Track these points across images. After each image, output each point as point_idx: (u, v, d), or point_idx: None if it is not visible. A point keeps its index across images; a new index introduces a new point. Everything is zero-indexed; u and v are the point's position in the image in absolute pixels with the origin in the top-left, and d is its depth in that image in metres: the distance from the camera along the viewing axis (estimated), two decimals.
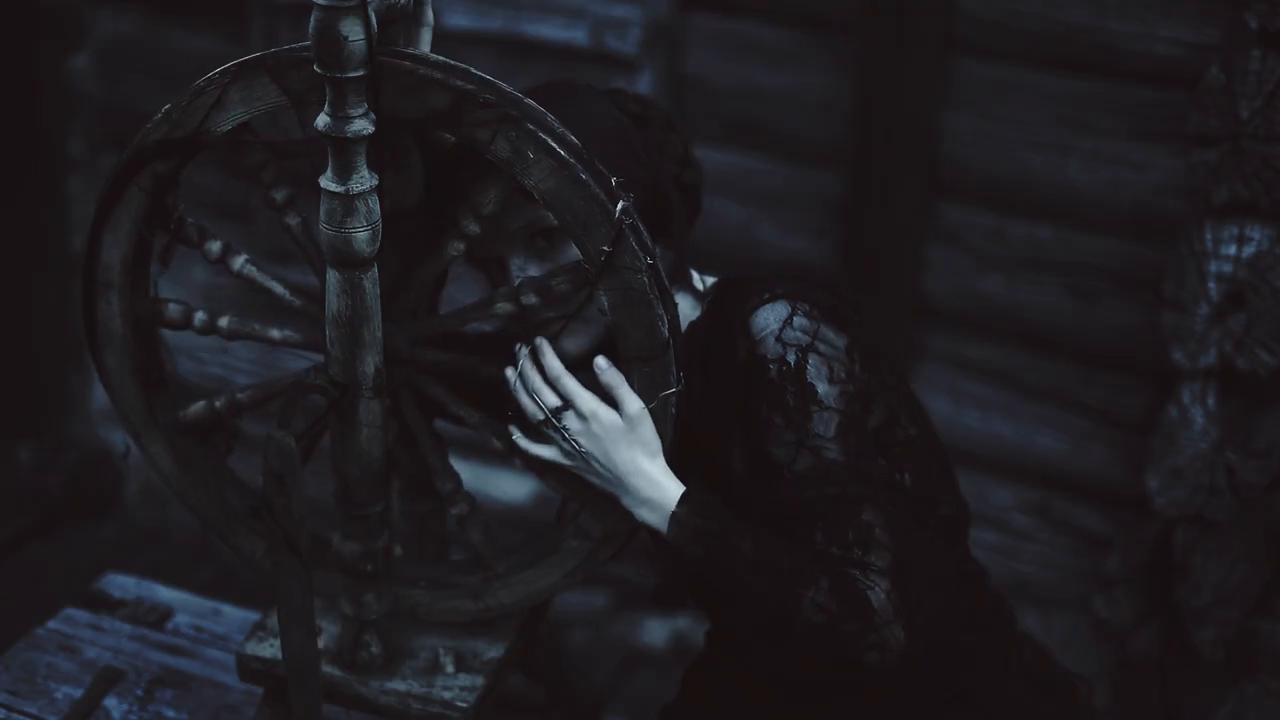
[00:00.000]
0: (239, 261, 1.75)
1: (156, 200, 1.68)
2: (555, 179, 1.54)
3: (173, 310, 1.78)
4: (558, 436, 1.69)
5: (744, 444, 1.69)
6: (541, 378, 1.69)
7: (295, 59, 1.54)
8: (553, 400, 1.68)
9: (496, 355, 1.77)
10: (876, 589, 1.58)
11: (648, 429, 1.66)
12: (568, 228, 1.57)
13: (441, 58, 1.54)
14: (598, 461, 1.67)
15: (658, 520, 1.66)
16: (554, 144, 1.53)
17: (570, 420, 1.68)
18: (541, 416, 1.69)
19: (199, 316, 1.77)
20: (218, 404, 1.80)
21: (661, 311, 1.60)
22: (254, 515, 1.86)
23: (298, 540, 1.59)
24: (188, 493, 1.87)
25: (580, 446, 1.68)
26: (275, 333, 1.76)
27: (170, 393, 1.85)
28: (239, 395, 1.79)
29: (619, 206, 1.55)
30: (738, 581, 1.62)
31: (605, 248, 1.56)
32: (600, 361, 1.66)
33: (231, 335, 1.77)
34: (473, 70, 1.54)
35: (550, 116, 1.54)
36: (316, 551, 1.85)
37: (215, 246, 1.75)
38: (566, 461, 1.71)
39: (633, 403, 1.66)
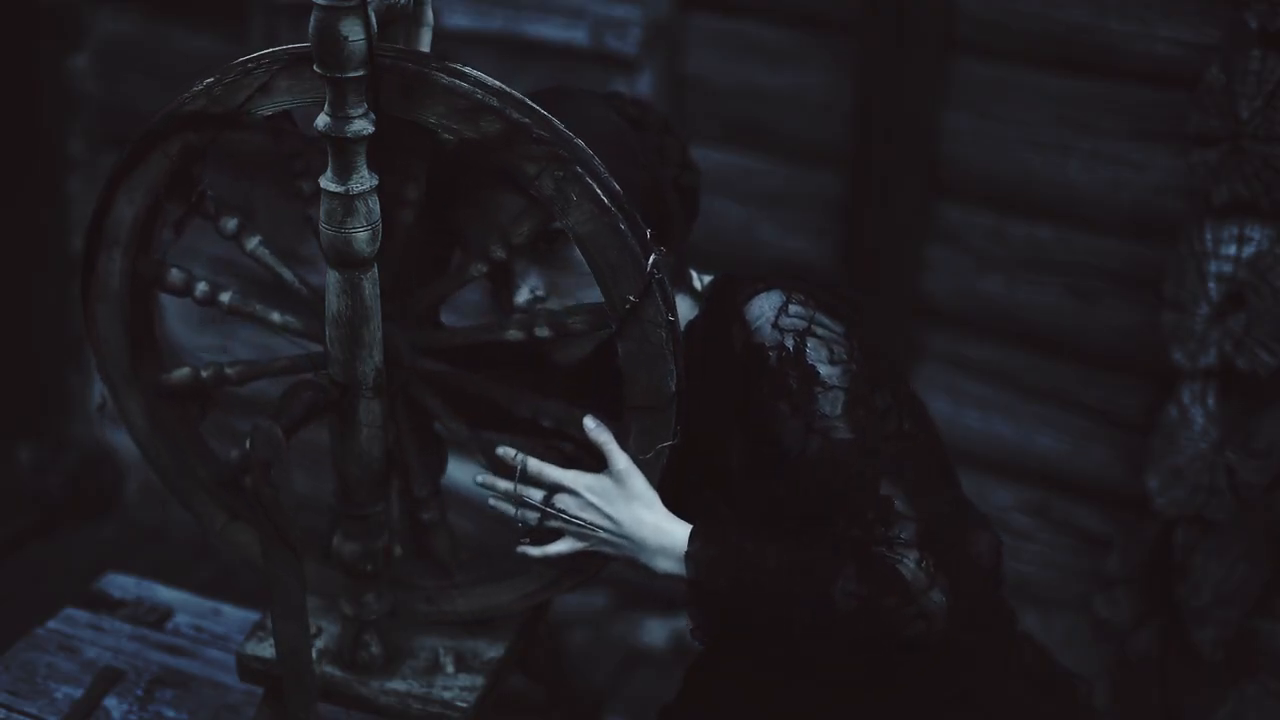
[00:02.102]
0: (253, 242, 1.74)
1: (181, 168, 1.67)
2: (594, 225, 1.55)
3: (175, 275, 1.76)
4: (559, 523, 1.72)
5: (744, 440, 1.69)
6: (518, 484, 1.73)
7: None
8: (538, 494, 1.72)
9: (492, 369, 1.78)
10: (906, 560, 1.59)
11: (639, 482, 1.69)
12: (597, 273, 1.58)
13: (498, 83, 1.54)
14: (602, 529, 1.70)
15: (675, 566, 1.68)
16: (598, 190, 1.54)
17: (564, 501, 1.71)
18: (537, 515, 1.73)
19: (200, 287, 1.76)
20: (204, 373, 1.80)
21: (673, 367, 1.62)
22: (221, 484, 1.86)
23: (289, 532, 1.59)
24: (156, 454, 1.87)
25: (583, 521, 1.70)
26: (276, 316, 1.76)
27: (157, 355, 1.84)
28: (227, 369, 1.79)
29: (651, 260, 1.57)
30: (768, 595, 1.63)
31: (631, 298, 1.57)
32: (589, 421, 1.70)
33: (232, 311, 1.77)
34: (528, 101, 1.54)
35: (597, 160, 1.55)
36: (306, 544, 1.84)
37: (231, 224, 1.74)
38: (581, 544, 1.73)
39: (620, 459, 1.68)
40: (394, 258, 1.68)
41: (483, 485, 1.76)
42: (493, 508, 1.77)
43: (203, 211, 1.73)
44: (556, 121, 1.54)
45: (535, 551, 1.75)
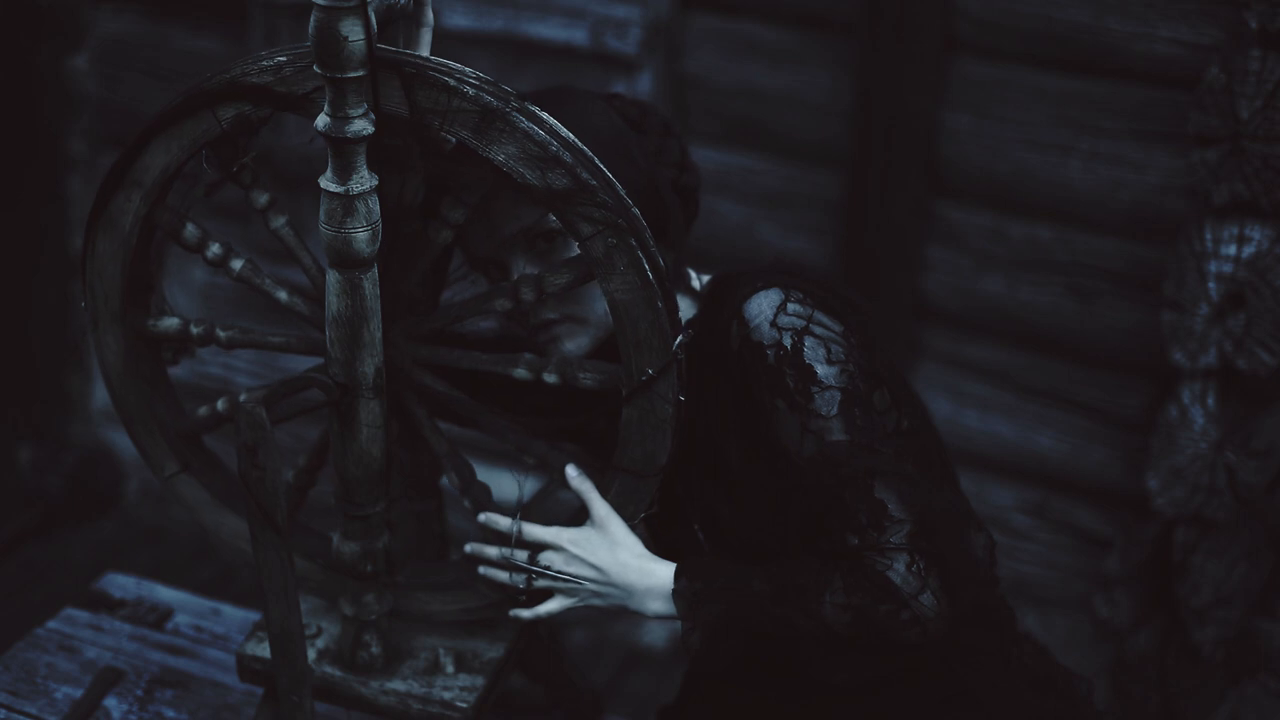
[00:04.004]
0: (279, 221, 1.73)
1: (229, 135, 1.64)
2: (633, 295, 1.57)
3: (190, 231, 1.74)
4: (547, 582, 1.73)
5: (743, 438, 1.69)
6: (503, 547, 1.75)
7: (432, 79, 1.52)
8: (523, 554, 1.74)
9: (486, 388, 1.81)
10: (895, 565, 1.59)
11: (619, 527, 1.71)
12: (622, 340, 1.59)
13: (570, 134, 1.53)
14: (590, 580, 1.71)
15: (664, 606, 1.70)
16: (646, 265, 1.55)
17: (549, 557, 1.73)
18: (524, 575, 1.74)
19: (213, 249, 1.74)
20: (194, 329, 1.79)
21: (670, 443, 1.64)
22: (182, 436, 1.86)
23: (275, 514, 1.58)
24: (123, 393, 1.85)
25: (570, 575, 1.72)
26: (284, 295, 1.75)
27: (148, 301, 1.82)
28: (219, 330, 1.78)
29: (677, 341, 1.59)
30: (760, 620, 1.64)
31: (650, 370, 1.59)
32: (570, 470, 1.72)
33: (240, 279, 1.75)
34: (597, 160, 1.54)
35: (648, 233, 1.56)
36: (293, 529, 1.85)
37: (263, 198, 1.73)
38: (571, 600, 1.74)
39: (600, 506, 1.70)
40: (420, 271, 1.68)
41: (471, 555, 1.78)
42: (483, 577, 1.78)
43: (238, 179, 1.71)
44: (619, 187, 1.55)
45: (527, 614, 1.76)
